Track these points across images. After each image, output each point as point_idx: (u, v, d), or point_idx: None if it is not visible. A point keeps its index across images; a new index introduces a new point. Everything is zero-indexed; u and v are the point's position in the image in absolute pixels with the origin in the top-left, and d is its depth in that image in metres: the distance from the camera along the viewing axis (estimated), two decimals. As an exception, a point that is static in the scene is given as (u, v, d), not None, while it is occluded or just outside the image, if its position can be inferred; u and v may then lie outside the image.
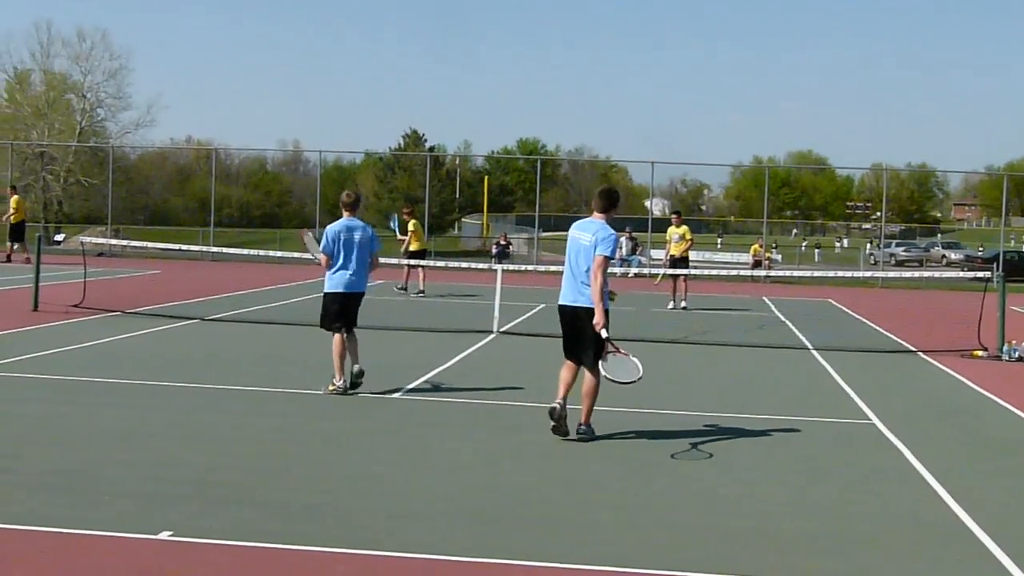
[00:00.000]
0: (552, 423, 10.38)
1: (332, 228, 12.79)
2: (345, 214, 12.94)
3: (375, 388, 12.80)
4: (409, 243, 27.98)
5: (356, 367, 12.60)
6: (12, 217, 34.77)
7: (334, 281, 12.79)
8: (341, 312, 12.73)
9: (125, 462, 8.87)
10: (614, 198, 10.73)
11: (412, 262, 27.05)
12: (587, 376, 10.44)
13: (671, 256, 26.41)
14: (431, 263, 28.14)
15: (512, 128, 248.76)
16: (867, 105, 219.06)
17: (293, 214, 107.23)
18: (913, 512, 8.19)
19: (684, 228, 26.33)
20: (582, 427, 10.45)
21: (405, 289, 27.98)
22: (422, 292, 27.73)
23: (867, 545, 7.27)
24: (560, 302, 10.59)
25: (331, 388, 12.49)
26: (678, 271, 25.18)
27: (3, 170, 66.51)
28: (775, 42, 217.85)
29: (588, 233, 10.33)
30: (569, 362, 10.58)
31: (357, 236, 12.74)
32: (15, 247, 34.78)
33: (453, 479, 8.74)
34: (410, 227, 27.85)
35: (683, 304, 25.95)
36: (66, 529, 6.91)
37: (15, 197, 35.32)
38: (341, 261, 12.72)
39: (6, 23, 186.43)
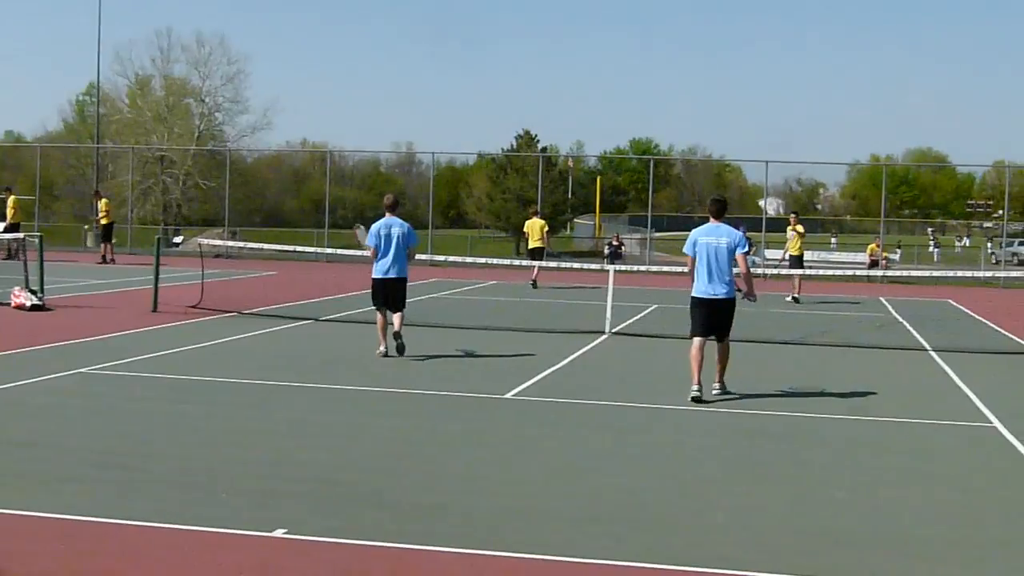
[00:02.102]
0: (696, 399, 12.34)
1: (376, 225, 15.53)
2: (387, 214, 15.66)
3: (489, 389, 12.88)
4: (529, 240, 30.70)
5: (395, 331, 15.20)
6: (103, 219, 35.94)
7: (377, 269, 15.51)
8: (383, 294, 15.49)
9: (242, 460, 9.04)
10: (726, 204, 13.34)
11: (532, 261, 29.14)
12: (722, 345, 12.88)
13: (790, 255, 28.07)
14: (545, 263, 28.51)
15: (625, 128, 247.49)
16: (989, 101, 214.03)
17: (407, 215, 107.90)
18: (1037, 518, 8.01)
19: (799, 227, 27.76)
20: (716, 386, 12.88)
21: (535, 285, 29.66)
22: (532, 284, 29.65)
23: (988, 550, 7.13)
24: (697, 295, 12.81)
25: (377, 353, 15.21)
26: (793, 271, 26.44)
27: (124, 174, 68.09)
28: (892, 38, 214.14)
29: (722, 237, 12.75)
30: (697, 343, 12.69)
31: (396, 232, 15.45)
32: (106, 247, 35.91)
33: (568, 480, 8.75)
34: (537, 225, 30.58)
35: (795, 295, 27.36)
36: (184, 526, 7.06)
37: (103, 200, 36.39)
38: (382, 252, 15.38)
39: (129, 31, 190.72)
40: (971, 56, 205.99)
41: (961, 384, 14.45)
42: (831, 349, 18.07)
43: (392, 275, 15.45)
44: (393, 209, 15.75)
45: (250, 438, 9.97)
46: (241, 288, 27.29)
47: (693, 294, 12.88)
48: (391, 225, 15.48)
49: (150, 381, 12.96)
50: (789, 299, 27.29)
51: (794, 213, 29.47)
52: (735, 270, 12.83)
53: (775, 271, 28.69)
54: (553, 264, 30.02)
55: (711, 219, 12.99)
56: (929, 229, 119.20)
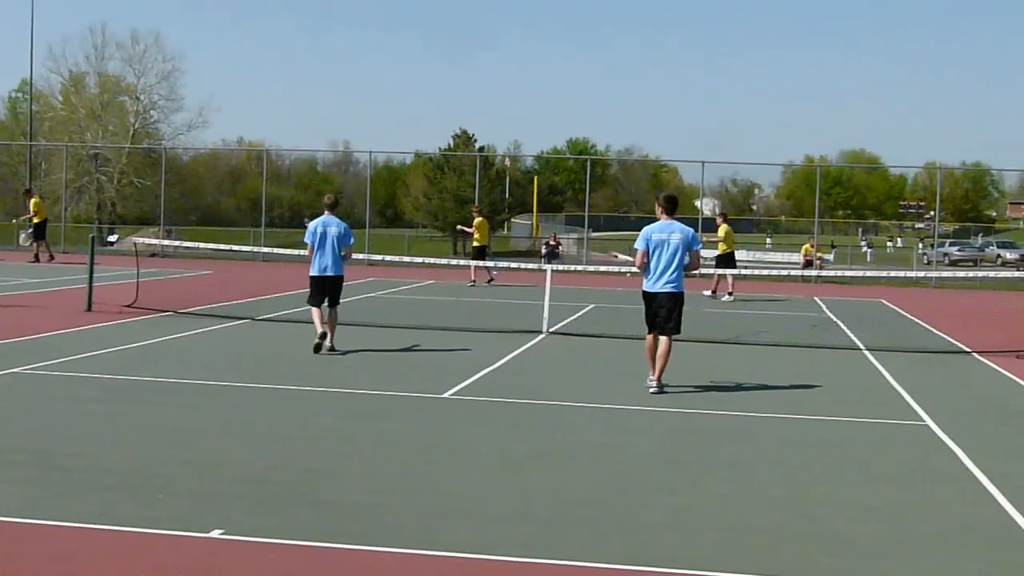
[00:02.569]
0: (655, 391, 12.95)
1: (313, 223, 16.02)
2: (325, 212, 16.17)
3: (427, 389, 12.86)
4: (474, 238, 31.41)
5: (328, 343, 15.49)
6: (34, 218, 35.42)
7: (315, 267, 15.95)
8: (319, 291, 15.90)
9: (178, 461, 8.95)
10: (677, 201, 13.64)
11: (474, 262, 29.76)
12: (666, 341, 13.11)
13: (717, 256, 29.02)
14: (483, 263, 28.76)
15: (562, 128, 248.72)
16: (921, 102, 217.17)
17: (344, 214, 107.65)
18: (968, 515, 8.11)
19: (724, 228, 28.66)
20: (653, 382, 13.10)
21: (475, 283, 30.52)
22: (487, 281, 30.78)
23: (922, 548, 7.21)
24: (647, 289, 13.18)
25: (316, 336, 15.43)
26: (725, 271, 27.00)
27: (58, 171, 67.32)
28: (826, 40, 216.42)
29: (675, 233, 13.10)
30: (650, 337, 13.19)
31: (332, 231, 15.88)
32: (39, 246, 35.39)
33: (505, 479, 8.75)
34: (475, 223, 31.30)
35: (722, 296, 28.36)
36: (121, 527, 6.98)
37: (34, 199, 35.91)
38: (318, 250, 15.85)
39: (62, 27, 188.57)
40: (904, 58, 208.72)
41: (894, 383, 14.60)
42: (766, 348, 18.20)
43: (329, 273, 15.92)
44: (333, 208, 16.26)
45: (186, 438, 9.87)
46: (177, 287, 27.04)
47: (644, 288, 13.27)
48: (328, 224, 15.93)
49: (84, 381, 12.80)
50: (726, 298, 27.94)
51: (721, 215, 30.19)
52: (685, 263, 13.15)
53: (711, 271, 29.02)
54: (490, 264, 30.04)
55: (663, 216, 13.30)
56: (860, 230, 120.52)
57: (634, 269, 13.63)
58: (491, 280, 31.21)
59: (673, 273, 13.05)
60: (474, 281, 30.80)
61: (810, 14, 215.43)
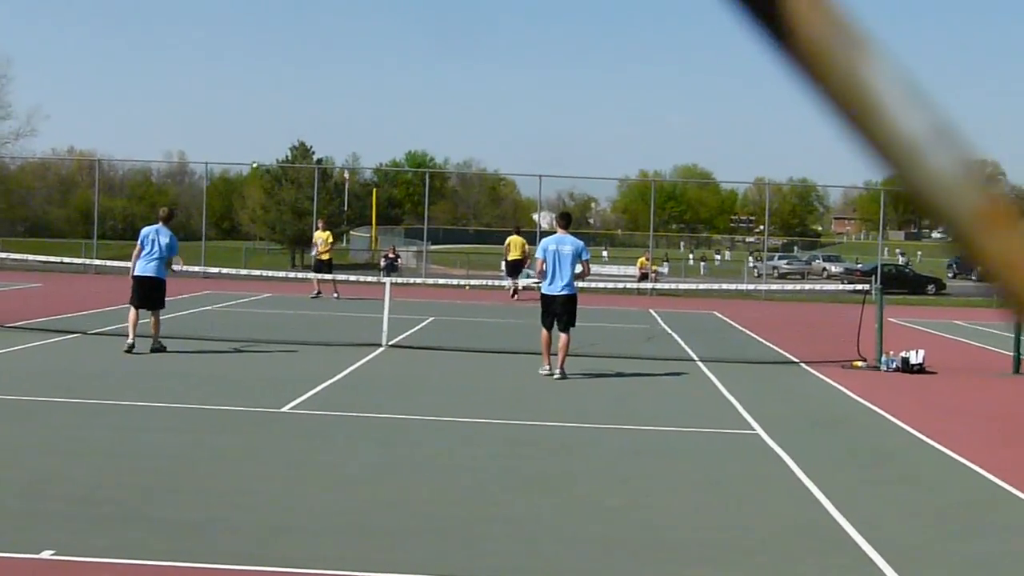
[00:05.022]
0: (559, 377, 15.38)
1: (146, 229, 17.29)
2: (159, 223, 17.29)
3: (264, 403, 12.70)
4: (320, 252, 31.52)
5: (154, 344, 16.77)
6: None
7: (137, 268, 17.05)
8: (139, 291, 16.98)
9: (5, 480, 8.67)
10: (571, 217, 16.74)
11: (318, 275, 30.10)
12: (564, 336, 15.48)
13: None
14: (320, 276, 28.65)
15: (400, 141, 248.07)
16: (750, 120, 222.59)
17: (179, 226, 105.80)
18: (796, 520, 8.33)
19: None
20: (558, 372, 15.48)
21: (320, 295, 30.79)
22: (319, 294, 30.79)
23: (752, 553, 7.38)
24: (547, 292, 15.63)
25: (125, 346, 16.49)
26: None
27: None
28: (660, 55, 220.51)
29: (567, 245, 15.49)
30: (545, 332, 15.68)
31: (162, 239, 17.11)
32: None
33: (341, 493, 8.68)
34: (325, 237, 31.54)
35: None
36: (-58, 549, 6.74)
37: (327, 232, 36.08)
38: (144, 254, 17.02)
39: None
40: (736, 73, 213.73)
41: (726, 393, 14.92)
42: (602, 360, 18.38)
43: (151, 274, 17.06)
44: (167, 222, 17.45)
45: (13, 456, 9.57)
46: (3, 300, 26.21)
47: (542, 291, 15.83)
48: (160, 232, 17.22)
49: (-97, 398, 12.32)
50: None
51: (515, 227, 35.24)
52: (577, 271, 15.55)
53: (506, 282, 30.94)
54: (329, 277, 29.81)
55: (559, 230, 15.86)
56: (682, 245, 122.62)
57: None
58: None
59: (568, 278, 15.49)
60: (320, 292, 30.93)
61: (639, 29, 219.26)
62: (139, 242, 17.21)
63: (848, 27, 0.84)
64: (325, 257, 31.22)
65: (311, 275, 30.77)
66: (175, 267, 17.79)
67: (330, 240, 31.55)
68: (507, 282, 30.20)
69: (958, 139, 0.85)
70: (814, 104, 0.85)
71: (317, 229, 32.48)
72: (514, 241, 34.33)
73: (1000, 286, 0.87)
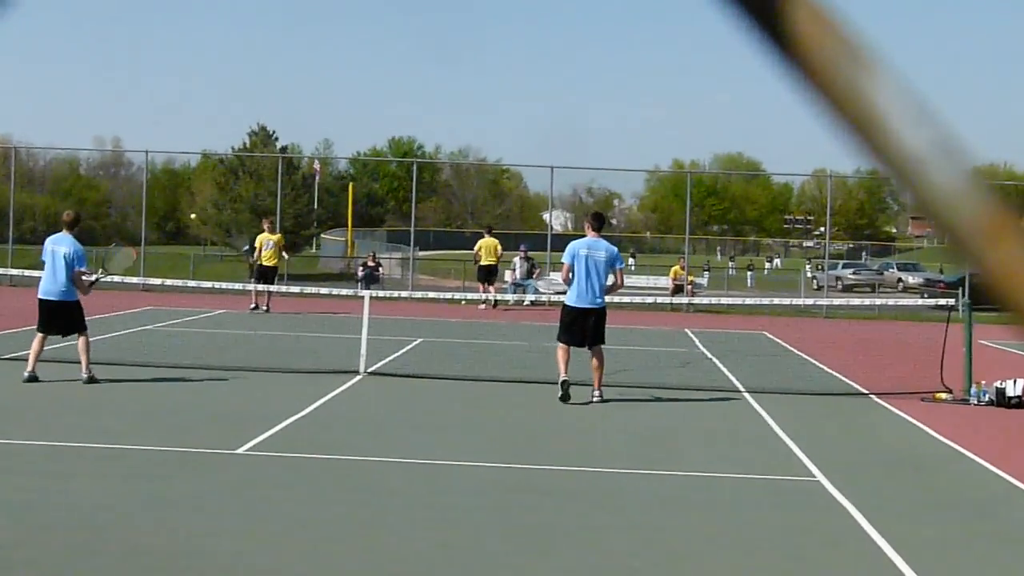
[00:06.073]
0: (563, 394, 15.87)
1: (47, 240, 16.97)
2: (63, 230, 16.90)
3: (213, 444, 12.66)
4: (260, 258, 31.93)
5: (84, 375, 16.38)
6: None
7: (40, 288, 16.94)
8: (44, 316, 16.74)
9: None
10: (604, 219, 17.16)
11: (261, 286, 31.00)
12: (598, 352, 16.27)
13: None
14: (282, 288, 28.78)
15: (382, 125, 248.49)
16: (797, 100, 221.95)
17: (113, 227, 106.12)
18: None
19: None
20: (596, 394, 16.24)
21: (257, 308, 31.53)
22: (266, 309, 31.51)
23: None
24: (573, 304, 16.11)
25: (24, 375, 16.33)
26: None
27: None
28: (697, 29, 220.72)
29: (601, 251, 16.05)
30: (564, 346, 16.11)
31: (61, 250, 16.60)
32: None
33: (307, 551, 8.64)
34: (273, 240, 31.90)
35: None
36: None
37: None
38: (45, 271, 16.83)
39: None
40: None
41: (779, 431, 14.85)
42: (627, 390, 18.31)
43: (53, 298, 16.72)
44: (71, 227, 17.02)
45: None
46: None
47: (567, 303, 16.28)
48: (59, 243, 16.76)
49: None
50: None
51: (487, 228, 37.61)
52: (608, 282, 16.15)
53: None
54: (296, 289, 29.81)
55: (590, 232, 16.35)
56: (721, 251, 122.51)
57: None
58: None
59: (598, 289, 16.01)
60: (258, 305, 31.71)
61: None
62: (43, 258, 16.96)
63: (849, 39, 0.97)
64: (271, 263, 31.74)
65: (250, 285, 31.73)
66: (86, 279, 17.00)
67: (282, 243, 32.29)
68: (479, 294, 31.66)
69: (961, 152, 0.99)
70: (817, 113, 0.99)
71: (263, 232, 32.82)
72: (486, 244, 35.56)
73: (1004, 300, 0.99)
